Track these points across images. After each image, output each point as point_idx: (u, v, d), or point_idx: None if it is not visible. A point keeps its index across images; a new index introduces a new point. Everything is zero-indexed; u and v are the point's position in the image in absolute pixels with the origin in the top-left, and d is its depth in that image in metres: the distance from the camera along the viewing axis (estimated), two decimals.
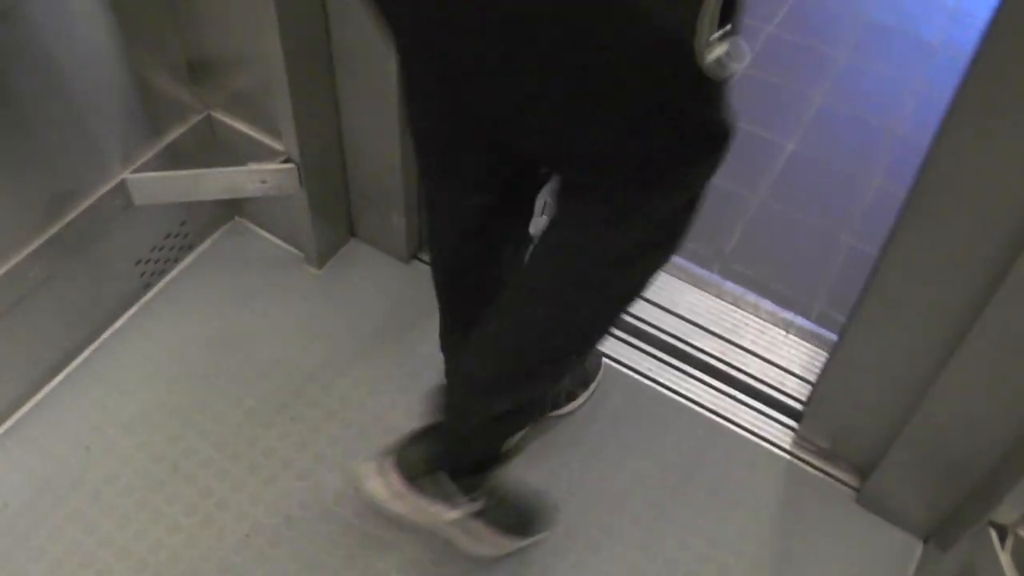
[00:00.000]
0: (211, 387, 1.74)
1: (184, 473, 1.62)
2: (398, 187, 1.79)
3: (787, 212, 2.16)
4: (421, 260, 1.96)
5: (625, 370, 1.77)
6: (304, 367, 1.77)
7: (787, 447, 1.68)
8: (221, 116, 1.81)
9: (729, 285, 1.92)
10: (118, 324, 1.84)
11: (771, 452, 1.68)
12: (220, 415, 1.70)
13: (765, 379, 1.76)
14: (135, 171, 1.71)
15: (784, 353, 1.80)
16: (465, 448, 1.35)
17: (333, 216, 1.90)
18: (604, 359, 1.77)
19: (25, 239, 1.58)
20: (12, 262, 1.56)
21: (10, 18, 1.38)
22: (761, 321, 1.85)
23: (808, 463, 1.67)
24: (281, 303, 1.88)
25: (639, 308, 1.84)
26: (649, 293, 1.81)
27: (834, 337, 1.83)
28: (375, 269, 1.94)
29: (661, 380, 1.76)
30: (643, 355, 1.80)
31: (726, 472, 1.65)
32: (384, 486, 1.32)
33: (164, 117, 1.75)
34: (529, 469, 1.62)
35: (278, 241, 1.98)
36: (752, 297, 1.90)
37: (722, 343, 1.80)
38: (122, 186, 1.70)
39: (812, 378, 1.74)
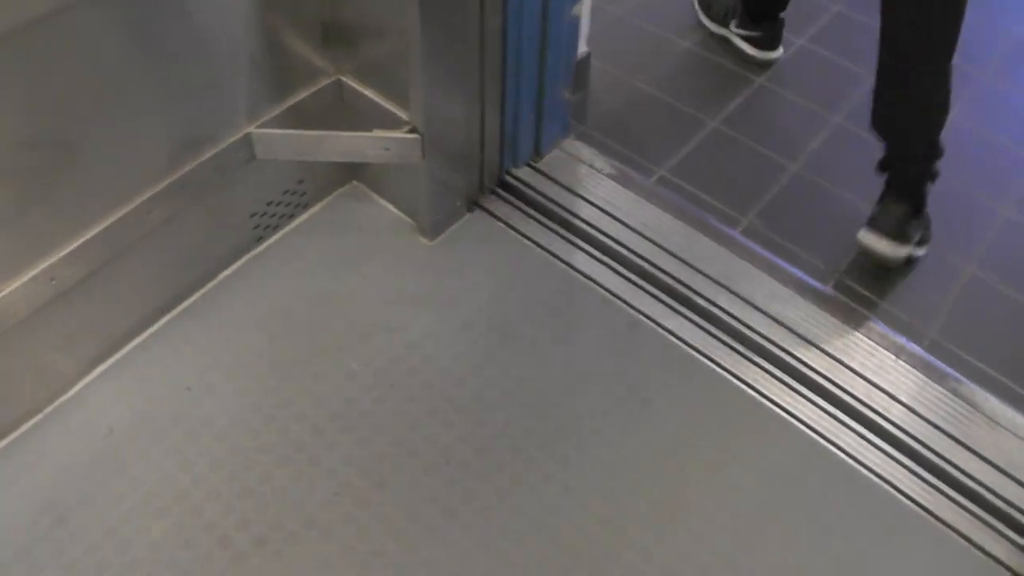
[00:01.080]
0: (313, 344, 1.77)
1: (279, 425, 1.65)
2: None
3: None
4: (482, 208, 1.99)
5: (729, 377, 1.75)
6: (407, 335, 1.78)
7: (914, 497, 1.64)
8: (350, 81, 1.83)
9: (843, 300, 1.87)
10: (228, 272, 1.88)
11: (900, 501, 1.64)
12: (320, 374, 1.72)
13: (866, 399, 1.71)
14: (260, 126, 1.75)
15: (891, 378, 1.75)
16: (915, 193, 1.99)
17: (451, 190, 1.91)
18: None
19: (150, 181, 1.62)
20: (136, 202, 1.61)
21: None
22: (872, 343, 1.80)
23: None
24: (390, 270, 1.89)
25: (745, 313, 1.81)
26: (759, 302, 1.81)
27: (945, 368, 1.78)
28: (488, 247, 1.94)
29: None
30: (747, 362, 1.77)
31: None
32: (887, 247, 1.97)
33: (294, 77, 1.78)
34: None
35: (393, 209, 2.00)
36: (863, 312, 1.85)
37: (829, 360, 1.77)
38: (246, 139, 1.74)
39: (920, 408, 1.70)
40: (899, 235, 1.96)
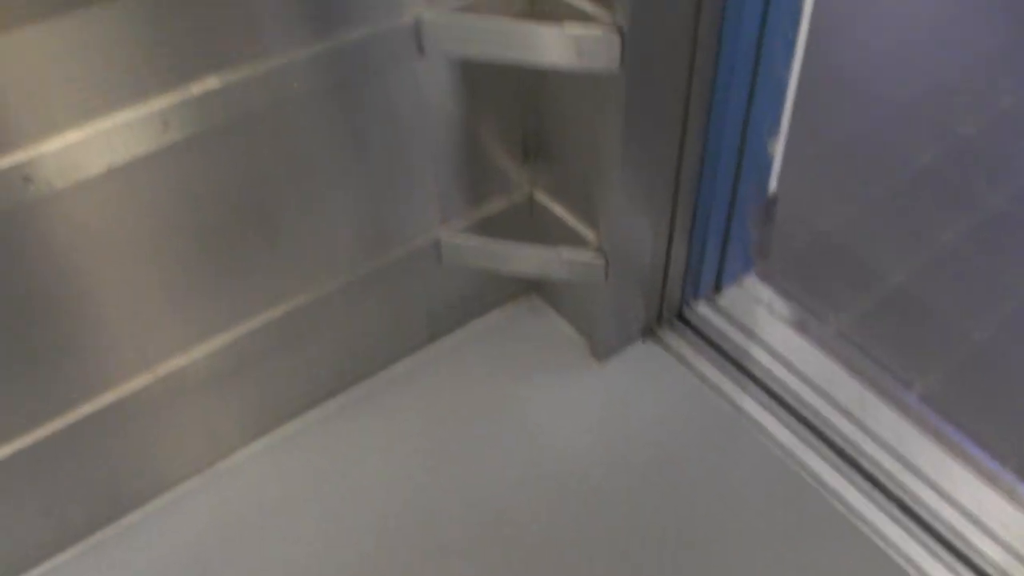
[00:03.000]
0: (472, 448, 1.78)
1: (428, 522, 1.67)
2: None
3: None
4: (656, 336, 1.98)
5: (890, 552, 1.67)
6: (566, 453, 1.78)
7: None
8: (542, 196, 1.87)
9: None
10: (398, 366, 1.93)
11: None
12: (474, 477, 1.73)
13: None
14: (450, 231, 1.80)
15: None
16: None
17: (629, 315, 1.91)
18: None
19: (338, 270, 1.70)
20: (323, 288, 1.69)
21: (374, 79, 1.51)
22: None
23: None
24: (557, 387, 1.90)
25: (915, 485, 1.73)
26: (931, 475, 1.72)
27: None
28: (658, 377, 1.92)
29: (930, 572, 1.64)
30: (911, 538, 1.68)
31: None
32: None
33: (489, 187, 1.83)
34: None
35: (568, 326, 2.01)
36: None
37: (1005, 553, 1.66)
38: (435, 243, 1.80)
39: None
40: None
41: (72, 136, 1.25)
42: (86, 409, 1.50)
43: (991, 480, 1.76)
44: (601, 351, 1.92)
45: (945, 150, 2.68)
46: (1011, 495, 1.74)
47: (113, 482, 1.64)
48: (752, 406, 1.85)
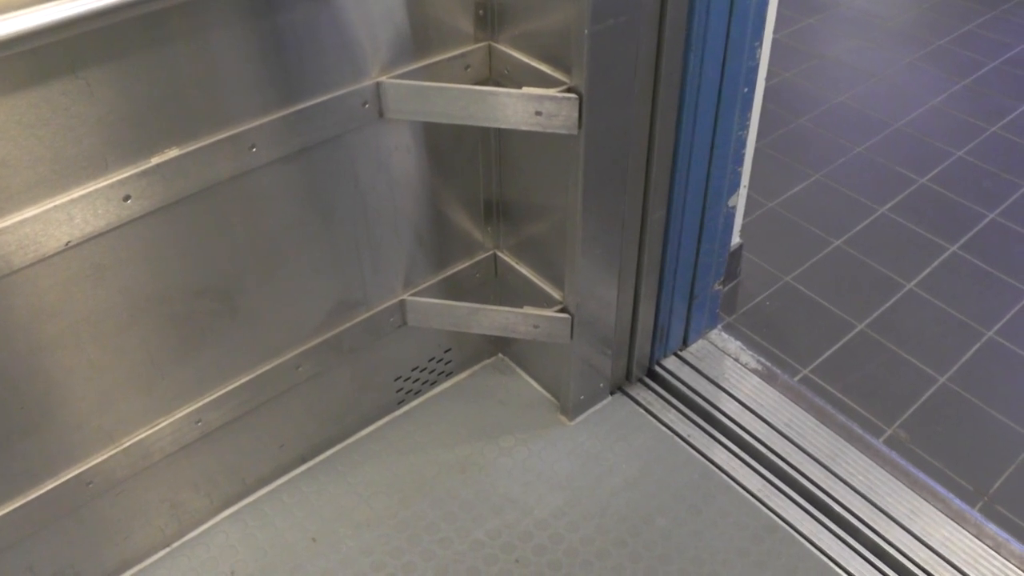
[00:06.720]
0: (443, 510, 1.77)
1: None
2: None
3: None
4: (625, 393, 1.98)
5: None
6: (538, 513, 1.77)
7: None
8: (506, 257, 1.88)
9: (991, 527, 1.78)
10: (367, 431, 1.92)
11: None
12: (447, 540, 1.72)
13: None
14: (415, 294, 1.81)
15: None
16: None
17: (596, 372, 1.92)
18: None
19: (302, 337, 1.69)
20: (287, 356, 1.68)
21: (335, 144, 1.52)
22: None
23: None
24: (527, 446, 1.90)
25: (886, 528, 1.73)
26: (902, 518, 1.73)
27: None
28: (628, 432, 1.93)
29: None
30: None
31: None
32: None
33: (453, 249, 1.85)
34: None
35: (536, 385, 2.02)
36: (1017, 546, 1.75)
37: None
38: (400, 306, 1.80)
39: None
40: None
41: (32, 212, 1.24)
42: (49, 484, 1.48)
43: (959, 520, 1.77)
44: (570, 409, 1.92)
45: (906, 198, 2.74)
46: (979, 533, 1.75)
47: (77, 558, 1.61)
48: (723, 456, 1.86)
